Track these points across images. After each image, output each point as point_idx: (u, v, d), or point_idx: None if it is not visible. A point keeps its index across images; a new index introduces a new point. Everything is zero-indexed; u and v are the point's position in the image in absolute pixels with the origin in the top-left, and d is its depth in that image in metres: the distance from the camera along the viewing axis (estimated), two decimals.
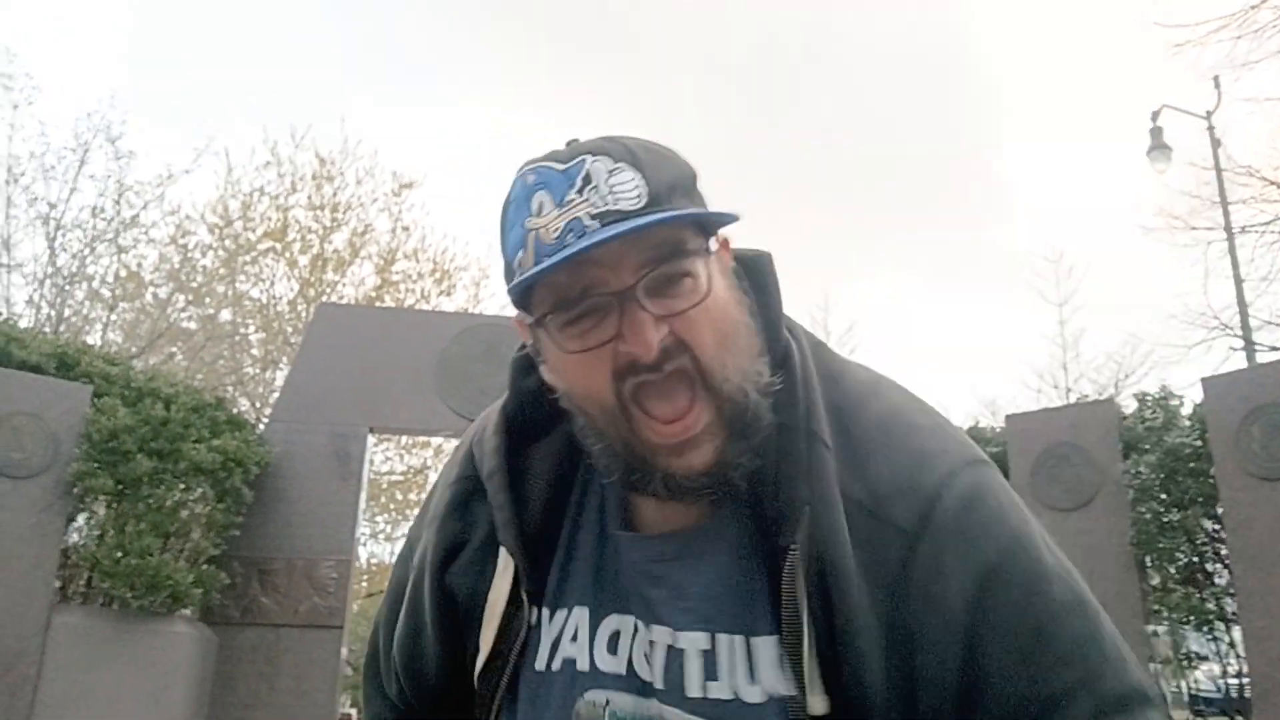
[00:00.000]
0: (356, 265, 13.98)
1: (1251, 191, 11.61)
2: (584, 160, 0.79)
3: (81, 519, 5.32)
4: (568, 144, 0.83)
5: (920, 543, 0.80)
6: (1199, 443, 5.93)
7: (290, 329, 13.19)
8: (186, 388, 6.12)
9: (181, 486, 5.46)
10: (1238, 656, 6.12)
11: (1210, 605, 6.12)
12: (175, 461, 5.32)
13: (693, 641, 0.83)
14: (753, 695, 0.80)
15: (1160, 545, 5.99)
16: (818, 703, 0.77)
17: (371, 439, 6.84)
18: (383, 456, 13.73)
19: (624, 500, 0.92)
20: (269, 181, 13.62)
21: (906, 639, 0.78)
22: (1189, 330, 12.64)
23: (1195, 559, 6.25)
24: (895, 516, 0.81)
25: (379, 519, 14.46)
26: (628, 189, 0.78)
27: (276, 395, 7.74)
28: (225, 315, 13.41)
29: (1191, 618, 6.15)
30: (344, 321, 7.28)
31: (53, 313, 11.60)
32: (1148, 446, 6.26)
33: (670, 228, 0.78)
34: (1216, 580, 6.24)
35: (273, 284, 13.66)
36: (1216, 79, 11.51)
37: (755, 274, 0.90)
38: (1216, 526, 6.04)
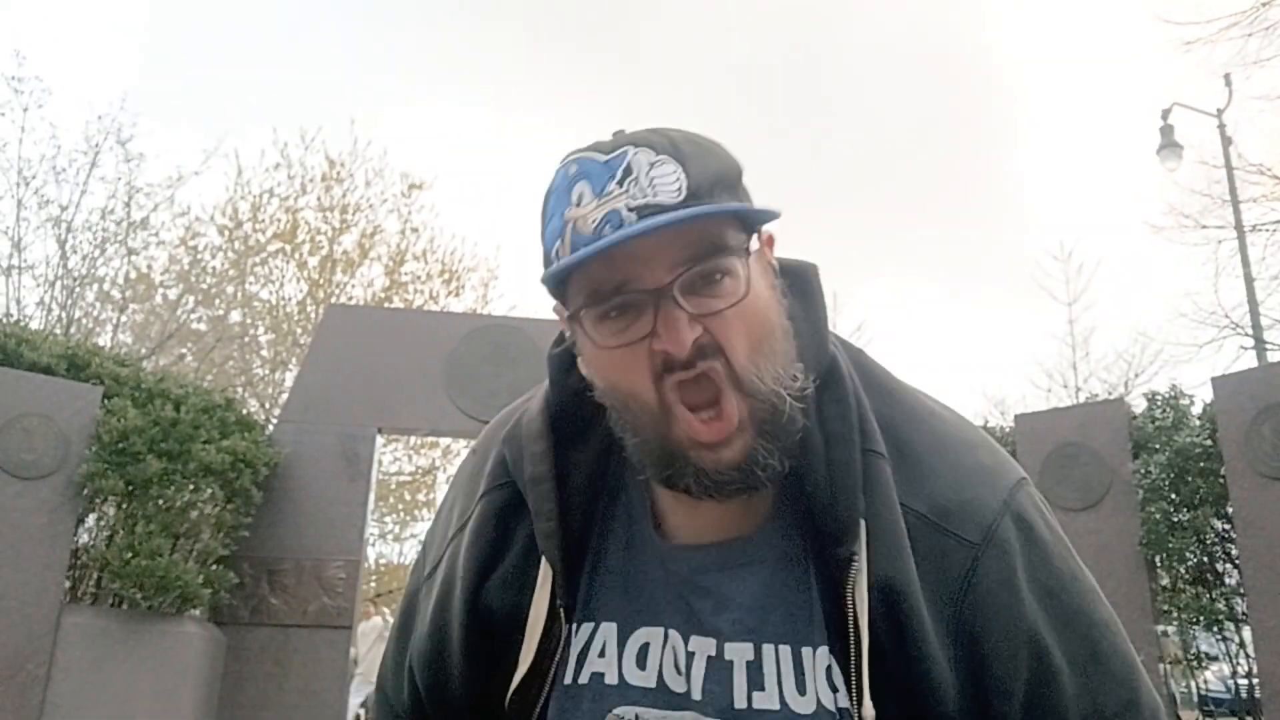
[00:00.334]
0: (365, 266, 14.03)
1: (1263, 190, 11.52)
2: (626, 151, 0.78)
3: (92, 519, 5.34)
4: (614, 134, 0.82)
5: (985, 555, 0.81)
6: (1209, 442, 5.89)
7: (299, 330, 13.21)
8: (196, 389, 6.12)
9: (191, 487, 5.46)
10: (1248, 657, 6.09)
11: (1220, 605, 6.08)
12: (185, 462, 5.33)
13: (739, 652, 0.83)
14: (802, 706, 0.80)
15: (1170, 545, 5.96)
16: (869, 713, 0.77)
17: (380, 439, 6.84)
18: (391, 457, 13.75)
19: (653, 507, 0.91)
20: (279, 183, 13.70)
21: (974, 647, 0.79)
22: (1199, 329, 12.57)
23: (1205, 559, 6.21)
24: (959, 529, 0.82)
25: (388, 519, 14.50)
26: (668, 182, 0.77)
27: (286, 396, 7.76)
28: (235, 316, 13.46)
29: (1201, 618, 6.11)
30: (353, 322, 7.28)
31: (63, 314, 11.64)
32: (1157, 446, 6.22)
33: (710, 223, 0.78)
34: (1226, 580, 6.21)
35: (282, 285, 13.71)
36: (1227, 77, 11.48)
37: (800, 283, 0.90)
38: (1227, 526, 6.00)
